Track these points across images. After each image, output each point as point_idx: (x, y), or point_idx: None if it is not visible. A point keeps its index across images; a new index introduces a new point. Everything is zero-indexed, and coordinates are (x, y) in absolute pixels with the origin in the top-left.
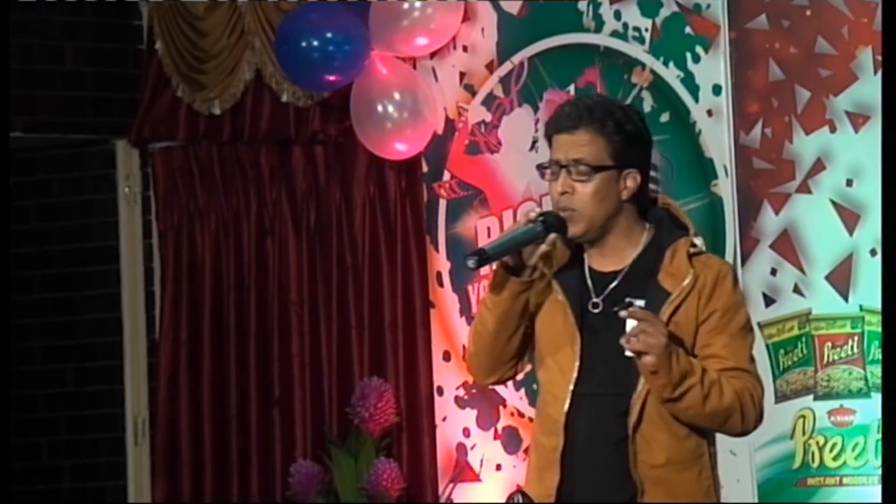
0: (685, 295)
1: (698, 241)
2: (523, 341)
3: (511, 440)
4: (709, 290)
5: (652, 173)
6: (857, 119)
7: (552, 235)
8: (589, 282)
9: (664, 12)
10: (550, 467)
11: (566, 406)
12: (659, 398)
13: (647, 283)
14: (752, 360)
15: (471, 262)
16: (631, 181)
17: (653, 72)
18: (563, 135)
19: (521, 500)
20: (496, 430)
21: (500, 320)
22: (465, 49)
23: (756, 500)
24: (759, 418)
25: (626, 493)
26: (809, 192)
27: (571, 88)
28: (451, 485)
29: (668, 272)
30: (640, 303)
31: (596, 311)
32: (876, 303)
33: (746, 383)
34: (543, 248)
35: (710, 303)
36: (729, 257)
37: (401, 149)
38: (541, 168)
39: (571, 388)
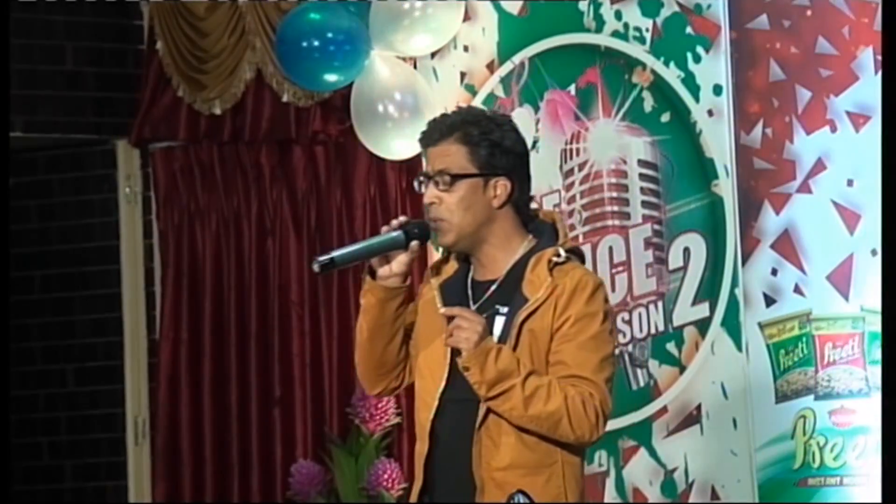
0: (540, 303)
1: (563, 251)
2: (403, 350)
3: None
4: (565, 298)
5: (652, 173)
6: (858, 119)
7: (414, 243)
8: (469, 291)
9: (665, 12)
10: (419, 474)
11: (432, 412)
12: (480, 397)
13: (514, 292)
14: (600, 370)
15: (315, 267)
16: (500, 189)
17: (653, 72)
18: (431, 147)
19: (521, 500)
20: None
21: (372, 327)
22: (465, 49)
23: (756, 501)
24: (596, 428)
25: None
26: (810, 192)
27: (572, 88)
28: None
29: (528, 280)
30: (506, 310)
31: None
32: (876, 303)
33: (583, 390)
34: (407, 256)
35: (565, 311)
36: (730, 257)
37: (401, 149)
38: (417, 181)
39: (439, 393)
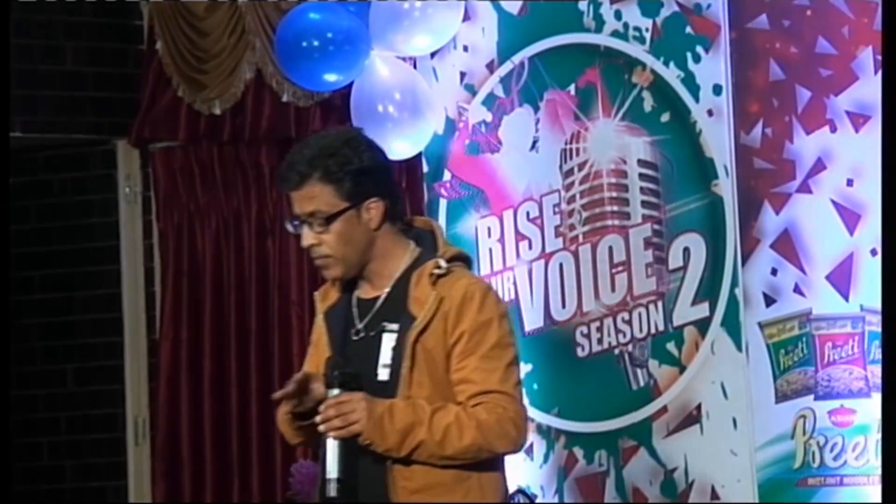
0: (428, 319)
1: (443, 262)
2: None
3: None
4: (455, 312)
5: (652, 173)
6: (858, 119)
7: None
8: (354, 310)
9: (665, 12)
10: None
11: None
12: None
13: (402, 308)
14: (507, 378)
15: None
16: (374, 210)
17: (653, 72)
18: (294, 192)
19: (521, 501)
20: None
21: (289, 430)
22: (465, 49)
23: (756, 501)
24: (518, 437)
25: None
26: (810, 192)
27: (572, 88)
28: None
29: (414, 297)
30: (395, 327)
31: (357, 338)
32: (876, 303)
33: (496, 407)
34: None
35: (457, 326)
36: (729, 257)
37: (401, 149)
38: (290, 224)
39: None
